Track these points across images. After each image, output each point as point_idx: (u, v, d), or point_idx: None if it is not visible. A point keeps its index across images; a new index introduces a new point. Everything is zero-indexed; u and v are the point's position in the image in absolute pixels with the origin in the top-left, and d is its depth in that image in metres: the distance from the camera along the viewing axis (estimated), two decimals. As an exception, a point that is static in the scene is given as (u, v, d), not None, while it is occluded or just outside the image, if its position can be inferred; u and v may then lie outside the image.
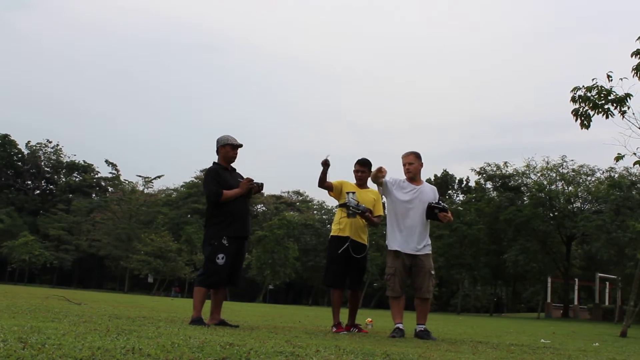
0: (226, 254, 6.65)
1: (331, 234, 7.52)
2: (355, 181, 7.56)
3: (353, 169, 7.59)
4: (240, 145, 7.03)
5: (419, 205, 7.04)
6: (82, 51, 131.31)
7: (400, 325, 6.92)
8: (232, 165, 7.09)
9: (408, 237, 7.02)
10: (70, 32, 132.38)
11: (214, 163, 7.05)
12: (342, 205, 7.41)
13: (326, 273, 7.51)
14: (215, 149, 7.04)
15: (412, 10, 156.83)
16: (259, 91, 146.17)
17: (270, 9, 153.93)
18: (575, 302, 48.38)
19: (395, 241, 7.07)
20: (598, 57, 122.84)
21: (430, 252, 7.11)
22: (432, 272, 7.05)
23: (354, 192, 7.35)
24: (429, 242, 7.17)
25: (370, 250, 62.47)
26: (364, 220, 7.34)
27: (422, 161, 7.28)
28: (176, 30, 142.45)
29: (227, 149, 6.97)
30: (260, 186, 6.94)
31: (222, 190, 6.73)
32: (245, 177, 6.96)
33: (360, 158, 7.57)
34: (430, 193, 7.16)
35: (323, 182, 7.33)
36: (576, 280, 49.24)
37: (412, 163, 7.18)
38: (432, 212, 7.02)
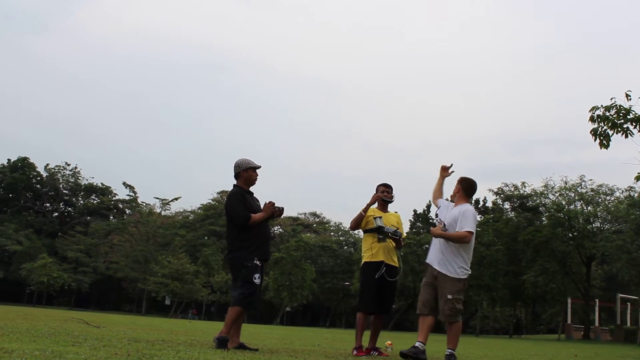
0: (260, 274, 6.80)
1: (364, 260, 7.54)
2: (376, 205, 7.64)
3: (376, 191, 7.65)
4: (260, 167, 7.14)
5: (442, 223, 7.09)
6: (96, 73, 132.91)
7: (418, 344, 6.73)
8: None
9: (433, 251, 7.12)
10: (84, 55, 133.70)
11: (235, 186, 7.11)
12: (371, 231, 7.45)
13: (361, 298, 7.51)
14: (234, 173, 7.11)
15: (423, 29, 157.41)
16: (273, 112, 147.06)
17: (282, 29, 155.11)
18: (596, 324, 47.77)
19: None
20: (615, 73, 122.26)
21: (450, 275, 6.88)
22: (449, 297, 6.82)
23: (380, 217, 7.41)
24: (454, 264, 6.93)
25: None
26: (393, 243, 7.38)
27: (464, 185, 7.31)
28: (189, 52, 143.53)
29: (250, 172, 7.09)
30: (281, 210, 7.03)
31: (251, 214, 6.82)
32: (264, 200, 7.06)
33: (382, 185, 7.73)
34: (454, 212, 7.10)
35: (359, 225, 7.55)
36: (597, 301, 48.70)
37: (456, 187, 7.35)
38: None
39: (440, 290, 6.91)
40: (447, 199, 7.45)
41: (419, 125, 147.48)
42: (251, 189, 7.20)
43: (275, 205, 6.97)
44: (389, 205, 7.72)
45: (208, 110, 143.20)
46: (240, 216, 6.79)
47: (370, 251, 7.44)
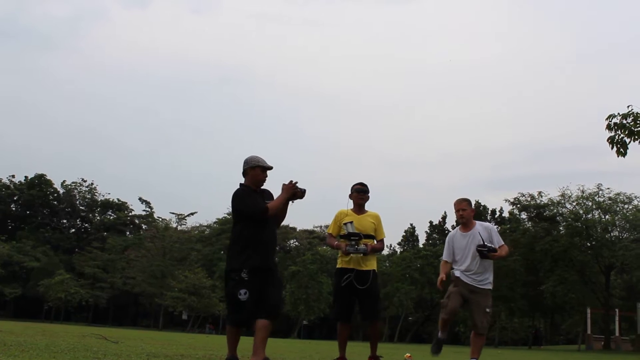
0: (249, 289, 5.94)
1: (337, 266, 7.36)
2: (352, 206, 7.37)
3: (351, 190, 7.40)
4: (271, 168, 6.35)
5: (473, 249, 7.12)
6: (111, 90, 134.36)
7: None
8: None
9: (468, 266, 7.15)
10: (99, 72, 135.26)
11: (241, 185, 6.37)
12: (343, 237, 7.23)
13: (332, 307, 7.42)
14: (243, 170, 6.39)
15: (438, 40, 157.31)
16: (288, 127, 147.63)
17: (296, 43, 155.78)
18: (617, 334, 47.22)
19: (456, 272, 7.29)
20: (632, 81, 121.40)
21: (487, 287, 7.16)
22: (488, 310, 7.11)
23: (351, 222, 7.11)
24: (489, 277, 7.22)
25: (404, 283, 60.72)
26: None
27: (471, 204, 7.41)
28: (203, 69, 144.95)
29: (257, 171, 6.29)
30: (303, 192, 6.26)
31: (267, 205, 6.13)
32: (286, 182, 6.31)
33: (358, 183, 7.41)
34: (484, 234, 7.16)
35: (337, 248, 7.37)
36: (617, 310, 48.17)
37: (465, 209, 7.30)
38: (482, 253, 7.06)
39: (477, 303, 7.10)
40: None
41: (435, 138, 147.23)
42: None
43: (297, 185, 6.22)
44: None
45: (223, 126, 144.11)
46: (257, 209, 6.09)
47: (342, 257, 7.23)
